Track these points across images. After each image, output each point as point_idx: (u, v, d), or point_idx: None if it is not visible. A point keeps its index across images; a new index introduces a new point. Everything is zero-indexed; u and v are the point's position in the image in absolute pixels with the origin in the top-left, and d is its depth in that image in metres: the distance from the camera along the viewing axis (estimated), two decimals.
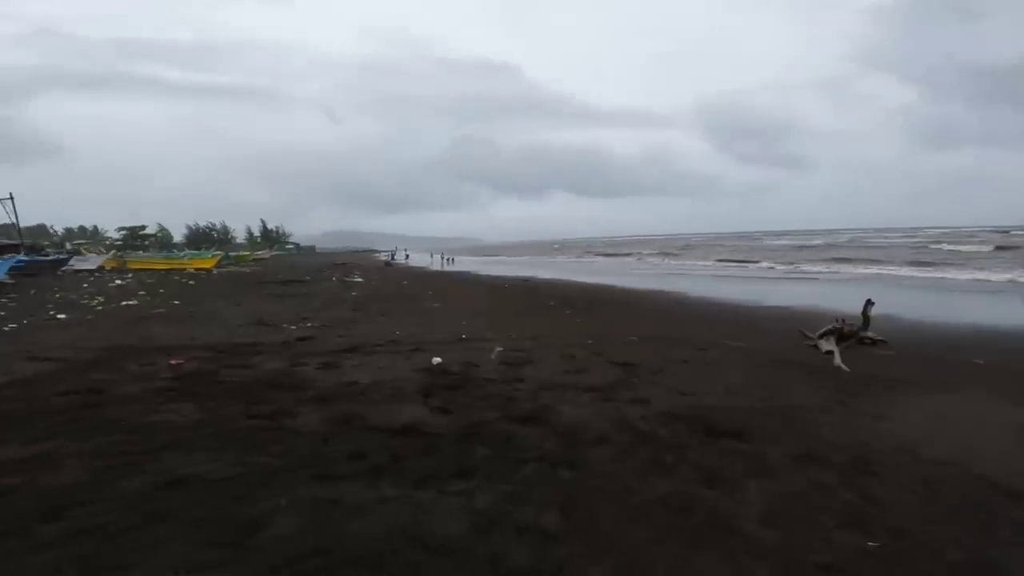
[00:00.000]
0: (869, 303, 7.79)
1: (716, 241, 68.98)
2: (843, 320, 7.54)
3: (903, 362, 6.76)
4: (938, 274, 21.67)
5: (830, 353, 6.78)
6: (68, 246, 40.44)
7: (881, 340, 7.64)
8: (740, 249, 48.72)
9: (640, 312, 12.06)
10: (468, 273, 30.20)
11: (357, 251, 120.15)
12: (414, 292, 16.80)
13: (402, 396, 4.83)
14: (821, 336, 7.40)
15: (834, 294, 15.60)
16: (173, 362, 5.90)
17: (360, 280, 22.47)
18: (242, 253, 47.74)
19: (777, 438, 3.95)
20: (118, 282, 19.20)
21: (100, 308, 11.92)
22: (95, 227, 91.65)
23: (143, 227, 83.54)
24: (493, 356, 6.46)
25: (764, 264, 31.75)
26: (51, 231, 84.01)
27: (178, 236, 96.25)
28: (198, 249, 60.65)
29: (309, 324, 9.56)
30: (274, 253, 70.86)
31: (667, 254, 48.18)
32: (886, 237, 57.37)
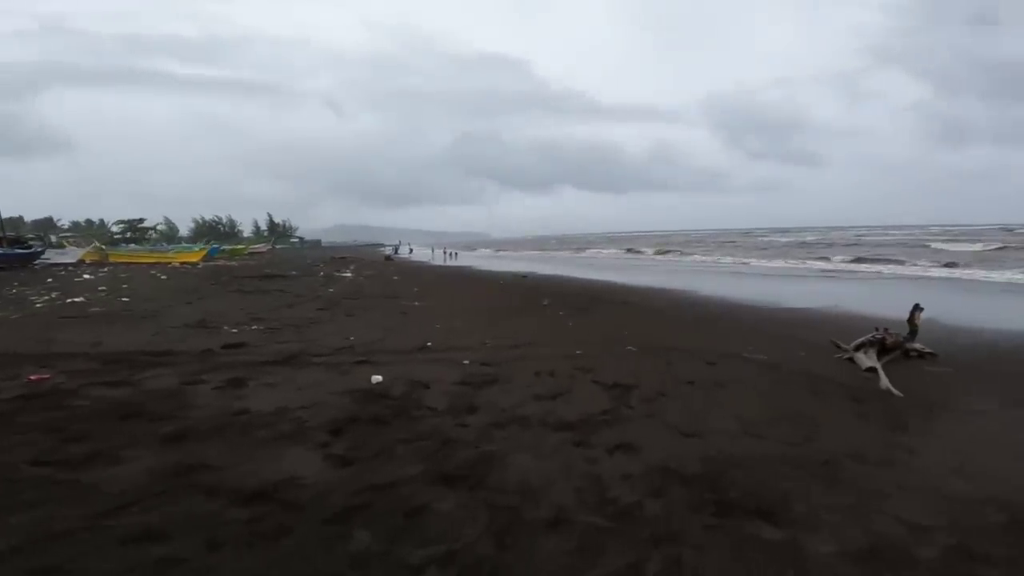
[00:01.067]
0: (917, 308, 6.42)
1: (724, 237, 67.25)
2: (886, 329, 6.16)
3: (965, 381, 5.35)
4: (966, 273, 19.99)
5: (872, 371, 5.40)
6: (53, 239, 39.51)
7: (930, 353, 6.27)
8: (748, 245, 47.07)
9: (641, 313, 10.69)
10: (467, 268, 29.01)
11: (363, 245, 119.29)
12: (400, 289, 15.54)
13: (298, 434, 3.53)
14: (858, 348, 6.03)
15: (856, 294, 14.11)
16: (33, 377, 4.68)
17: (348, 275, 21.28)
18: (237, 247, 46.64)
19: (823, 515, 2.61)
20: (86, 277, 18.09)
21: (40, 306, 10.76)
22: (101, 220, 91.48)
23: (141, 220, 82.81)
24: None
25: (775, 261, 30.13)
26: (57, 224, 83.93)
27: (185, 230, 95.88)
28: (199, 243, 59.93)
29: (255, 326, 8.31)
30: (276, 247, 69.96)
31: (673, 250, 46.59)
32: (891, 235, 55.60)
